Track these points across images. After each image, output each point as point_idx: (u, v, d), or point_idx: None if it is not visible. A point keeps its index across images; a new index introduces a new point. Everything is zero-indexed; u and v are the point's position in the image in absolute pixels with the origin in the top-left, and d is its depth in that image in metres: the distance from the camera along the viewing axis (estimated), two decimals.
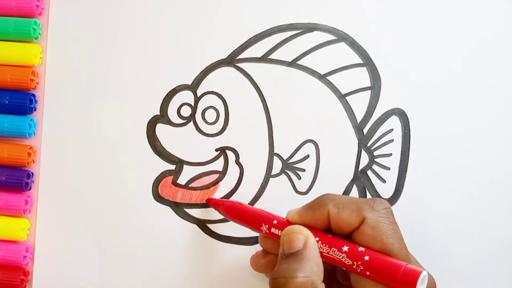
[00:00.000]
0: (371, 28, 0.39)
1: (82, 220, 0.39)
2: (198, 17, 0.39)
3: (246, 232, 0.38)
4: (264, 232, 0.34)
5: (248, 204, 0.38)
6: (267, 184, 0.39)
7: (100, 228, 0.39)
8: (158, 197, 0.39)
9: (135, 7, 0.39)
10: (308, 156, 0.39)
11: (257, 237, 0.38)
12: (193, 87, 0.39)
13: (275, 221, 0.34)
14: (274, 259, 0.34)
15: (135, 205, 0.39)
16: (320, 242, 0.31)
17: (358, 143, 0.39)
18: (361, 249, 0.30)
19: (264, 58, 0.39)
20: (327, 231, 0.32)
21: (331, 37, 0.39)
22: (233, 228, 0.38)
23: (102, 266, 0.39)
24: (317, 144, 0.39)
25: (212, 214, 0.39)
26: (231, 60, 0.39)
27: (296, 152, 0.39)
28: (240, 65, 0.39)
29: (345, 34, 0.39)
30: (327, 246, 0.31)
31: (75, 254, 0.39)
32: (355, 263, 0.30)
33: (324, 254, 0.31)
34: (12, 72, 0.38)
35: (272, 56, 0.39)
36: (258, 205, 0.39)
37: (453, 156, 0.39)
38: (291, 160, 0.39)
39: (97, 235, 0.39)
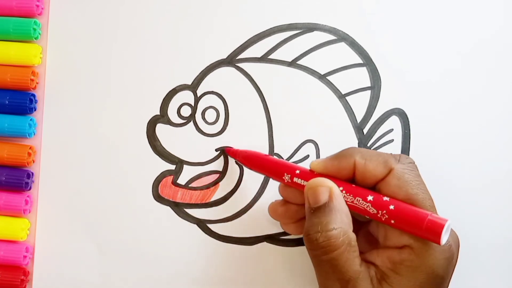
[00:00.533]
0: (371, 28, 0.39)
1: (82, 220, 0.39)
2: (198, 17, 0.39)
3: (246, 232, 0.38)
4: (286, 181, 0.34)
5: (248, 203, 0.38)
6: (267, 184, 0.39)
7: (100, 228, 0.39)
8: (158, 197, 0.39)
9: (135, 7, 0.39)
10: (308, 156, 0.39)
11: (257, 237, 0.38)
12: (193, 87, 0.39)
13: (297, 171, 0.33)
14: (293, 208, 0.35)
15: (135, 205, 0.39)
16: (344, 192, 0.31)
17: (358, 143, 0.39)
18: (385, 198, 0.30)
19: (264, 58, 0.39)
20: (351, 181, 0.32)
21: (331, 37, 0.39)
22: (233, 228, 0.38)
23: (102, 266, 0.39)
24: (317, 144, 0.39)
25: (212, 214, 0.39)
26: (231, 60, 0.39)
27: (296, 152, 0.39)
28: (240, 65, 0.39)
29: (345, 34, 0.39)
30: (351, 195, 0.31)
31: (75, 254, 0.39)
32: (380, 212, 0.30)
33: (348, 203, 0.31)
34: (12, 72, 0.38)
35: (272, 56, 0.39)
36: (258, 205, 0.39)
37: (453, 156, 0.39)
38: (291, 160, 0.39)
39: (97, 235, 0.39)
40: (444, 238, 0.29)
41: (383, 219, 0.30)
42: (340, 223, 0.30)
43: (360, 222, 0.35)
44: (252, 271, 0.38)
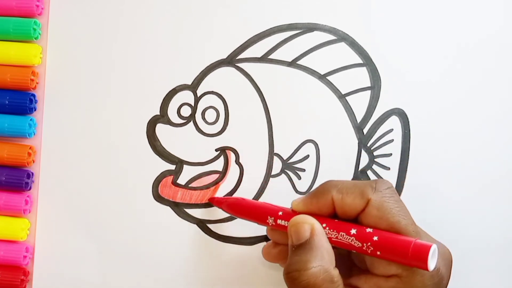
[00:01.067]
0: (371, 28, 0.39)
1: (82, 220, 0.39)
2: (198, 17, 0.39)
3: (246, 232, 0.38)
4: (270, 224, 0.34)
5: None
6: (267, 184, 0.39)
7: (100, 228, 0.39)
8: (158, 197, 0.39)
9: (135, 7, 0.39)
10: (308, 156, 0.39)
11: (257, 237, 0.38)
12: (193, 87, 0.39)
13: (280, 213, 0.34)
14: (285, 249, 0.35)
15: (135, 205, 0.39)
16: (327, 228, 0.31)
17: (358, 143, 0.39)
18: (369, 230, 0.30)
19: (264, 58, 0.39)
20: (333, 216, 0.32)
21: (331, 37, 0.39)
22: (233, 228, 0.38)
23: (102, 266, 0.39)
24: (317, 144, 0.39)
25: (212, 214, 0.39)
26: (231, 60, 0.39)
27: (296, 152, 0.39)
28: (240, 65, 0.39)
29: (345, 34, 0.39)
30: (335, 231, 0.31)
31: (75, 254, 0.39)
32: (364, 244, 0.30)
33: (333, 239, 0.31)
34: (12, 72, 0.38)
35: (272, 56, 0.39)
36: None
37: (453, 156, 0.39)
38: (291, 160, 0.39)
39: (97, 235, 0.39)
40: (432, 263, 0.28)
41: (369, 252, 0.30)
42: (320, 261, 0.30)
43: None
44: (252, 271, 0.38)
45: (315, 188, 0.33)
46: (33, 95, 0.39)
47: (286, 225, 0.33)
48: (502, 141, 0.39)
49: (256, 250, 0.38)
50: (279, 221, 0.33)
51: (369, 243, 0.30)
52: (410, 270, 0.30)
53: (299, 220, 0.31)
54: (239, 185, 0.39)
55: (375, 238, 0.30)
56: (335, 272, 0.30)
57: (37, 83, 0.39)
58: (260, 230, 0.38)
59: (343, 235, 0.31)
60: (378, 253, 0.30)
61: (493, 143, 0.39)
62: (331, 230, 0.31)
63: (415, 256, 0.28)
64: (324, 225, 0.31)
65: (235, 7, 0.39)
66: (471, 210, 0.39)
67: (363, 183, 0.32)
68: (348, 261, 0.34)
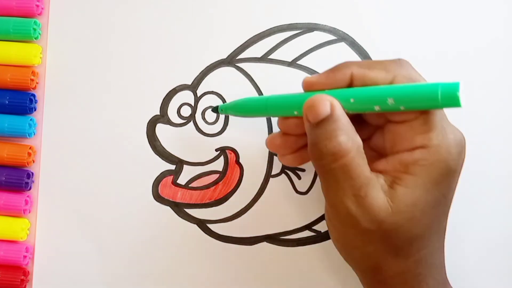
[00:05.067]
0: (371, 28, 0.39)
1: (82, 220, 0.39)
2: (198, 17, 0.39)
3: (246, 232, 0.38)
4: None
5: (248, 203, 0.38)
6: (267, 184, 0.39)
7: (100, 228, 0.39)
8: (158, 197, 0.39)
9: (135, 7, 0.39)
10: None
11: (257, 237, 0.38)
12: (193, 87, 0.39)
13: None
14: (291, 138, 0.34)
15: (135, 205, 0.39)
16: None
17: None
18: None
19: (264, 58, 0.39)
20: None
21: (331, 37, 0.39)
22: (233, 228, 0.38)
23: (102, 266, 0.39)
24: None
25: (212, 214, 0.39)
26: (231, 60, 0.39)
27: None
28: (240, 65, 0.39)
29: (345, 34, 0.39)
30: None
31: (75, 254, 0.39)
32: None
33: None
34: (12, 72, 0.38)
35: (272, 56, 0.39)
36: (258, 205, 0.39)
37: None
38: None
39: (97, 235, 0.39)
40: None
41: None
42: (347, 130, 0.29)
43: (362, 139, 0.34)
44: (252, 271, 0.38)
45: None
46: (33, 95, 0.39)
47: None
48: (502, 141, 0.39)
49: (256, 250, 0.38)
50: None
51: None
52: (436, 138, 0.29)
53: (316, 99, 0.30)
54: (239, 185, 0.39)
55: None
56: (361, 142, 0.30)
57: (37, 83, 0.39)
58: (260, 230, 0.38)
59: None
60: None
61: (493, 143, 0.39)
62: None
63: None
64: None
65: (235, 7, 0.39)
66: (472, 210, 0.39)
67: (385, 60, 0.31)
68: (368, 150, 0.33)
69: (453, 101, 0.27)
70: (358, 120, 0.33)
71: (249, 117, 0.35)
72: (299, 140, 0.34)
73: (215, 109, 0.37)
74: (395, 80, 0.30)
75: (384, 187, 0.30)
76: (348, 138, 0.29)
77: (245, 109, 0.35)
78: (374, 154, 0.33)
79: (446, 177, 0.29)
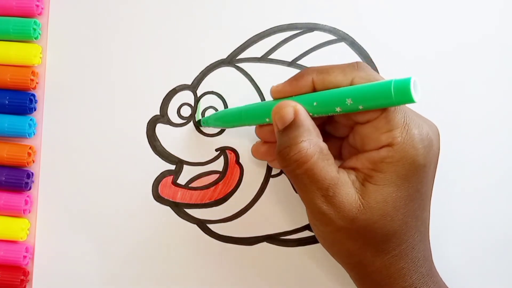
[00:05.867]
0: (371, 28, 0.39)
1: (82, 220, 0.39)
2: (198, 17, 0.39)
3: (246, 232, 0.38)
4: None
5: (248, 203, 0.38)
6: (267, 184, 0.39)
7: (100, 228, 0.39)
8: (158, 197, 0.39)
9: (135, 7, 0.39)
10: None
11: (257, 237, 0.38)
12: (193, 87, 0.39)
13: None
14: (273, 145, 0.35)
15: (135, 205, 0.39)
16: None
17: None
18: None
19: (264, 58, 0.39)
20: None
21: (331, 37, 0.39)
22: (233, 228, 0.38)
23: (102, 266, 0.39)
24: None
25: (212, 214, 0.39)
26: (231, 60, 0.39)
27: None
28: (240, 65, 0.39)
29: (345, 34, 0.39)
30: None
31: (75, 254, 0.39)
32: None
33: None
34: (12, 72, 0.38)
35: (272, 56, 0.39)
36: (258, 205, 0.39)
37: (453, 156, 0.39)
38: None
39: (97, 235, 0.39)
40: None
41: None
42: (307, 135, 0.31)
43: (339, 138, 0.35)
44: (252, 271, 0.38)
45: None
46: (33, 95, 0.39)
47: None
48: (502, 141, 0.39)
49: (256, 250, 0.38)
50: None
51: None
52: (400, 136, 0.30)
53: (281, 106, 0.32)
54: (239, 185, 0.39)
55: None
56: (324, 145, 0.31)
57: (37, 83, 0.39)
58: (260, 230, 0.38)
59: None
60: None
61: (492, 143, 0.39)
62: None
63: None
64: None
65: (235, 7, 0.39)
66: (471, 210, 0.39)
67: (343, 64, 0.32)
68: (338, 149, 0.35)
69: (406, 96, 0.28)
70: (335, 120, 0.34)
71: (230, 127, 0.37)
72: None
73: (198, 122, 0.38)
74: (354, 82, 0.31)
75: (355, 183, 0.31)
76: (309, 143, 0.30)
77: (223, 120, 0.36)
78: (353, 150, 0.34)
79: (415, 172, 0.30)
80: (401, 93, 0.28)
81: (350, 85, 0.31)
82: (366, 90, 0.29)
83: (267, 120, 0.34)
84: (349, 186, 0.30)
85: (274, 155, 0.36)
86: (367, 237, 0.30)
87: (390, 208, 0.30)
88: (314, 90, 0.32)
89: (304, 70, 0.33)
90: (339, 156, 0.35)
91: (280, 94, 0.33)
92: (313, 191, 0.30)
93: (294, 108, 0.31)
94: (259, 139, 0.36)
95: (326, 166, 0.30)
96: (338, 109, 0.30)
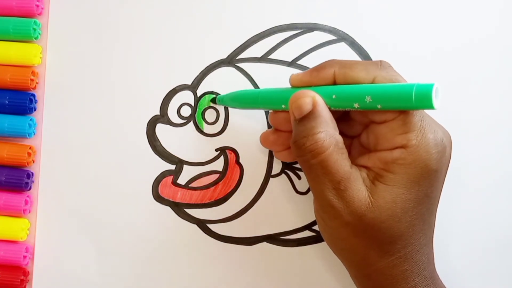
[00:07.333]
0: (371, 28, 0.39)
1: (82, 220, 0.39)
2: (198, 17, 0.39)
3: (246, 232, 0.38)
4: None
5: (248, 203, 0.38)
6: (267, 184, 0.39)
7: (100, 228, 0.39)
8: (158, 197, 0.39)
9: (135, 7, 0.39)
10: None
11: (257, 237, 0.38)
12: (193, 87, 0.39)
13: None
14: (284, 135, 0.35)
15: (135, 205, 0.39)
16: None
17: None
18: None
19: (264, 58, 0.39)
20: None
21: (331, 37, 0.39)
22: (233, 228, 0.38)
23: (102, 266, 0.39)
24: None
25: (212, 214, 0.39)
26: (231, 60, 0.39)
27: None
28: (240, 65, 0.39)
29: (345, 34, 0.39)
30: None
31: (75, 254, 0.39)
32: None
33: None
34: (12, 72, 0.38)
35: (272, 56, 0.39)
36: (258, 205, 0.39)
37: (453, 156, 0.39)
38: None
39: (97, 235, 0.39)
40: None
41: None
42: (325, 127, 0.31)
43: (350, 137, 0.35)
44: (252, 271, 0.38)
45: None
46: (33, 95, 0.39)
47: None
48: (502, 141, 0.39)
49: (256, 250, 0.38)
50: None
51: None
52: (414, 139, 0.30)
53: (299, 95, 0.31)
54: (239, 185, 0.39)
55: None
56: (340, 138, 0.31)
57: (37, 83, 0.39)
58: (260, 230, 0.38)
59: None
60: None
61: (492, 143, 0.39)
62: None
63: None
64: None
65: (235, 7, 0.39)
66: (472, 210, 0.39)
67: (366, 61, 0.32)
68: (348, 149, 0.34)
69: (426, 102, 0.28)
70: (349, 118, 0.34)
71: (244, 108, 0.37)
72: (291, 137, 0.34)
73: (213, 100, 0.38)
74: (375, 80, 0.31)
75: (366, 181, 0.31)
76: (326, 134, 0.30)
77: (240, 100, 0.36)
78: (364, 149, 0.34)
79: (426, 176, 0.30)
80: (422, 99, 0.28)
81: (371, 83, 0.31)
82: (387, 90, 0.29)
83: (283, 106, 0.33)
84: (360, 183, 0.30)
85: (282, 145, 0.36)
86: (373, 236, 0.30)
87: (399, 209, 0.30)
88: (334, 83, 0.32)
89: (326, 62, 0.33)
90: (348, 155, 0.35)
91: (299, 83, 0.33)
92: (325, 183, 0.30)
93: (313, 98, 0.31)
94: (266, 129, 0.36)
95: (340, 159, 0.30)
96: (356, 105, 0.30)
